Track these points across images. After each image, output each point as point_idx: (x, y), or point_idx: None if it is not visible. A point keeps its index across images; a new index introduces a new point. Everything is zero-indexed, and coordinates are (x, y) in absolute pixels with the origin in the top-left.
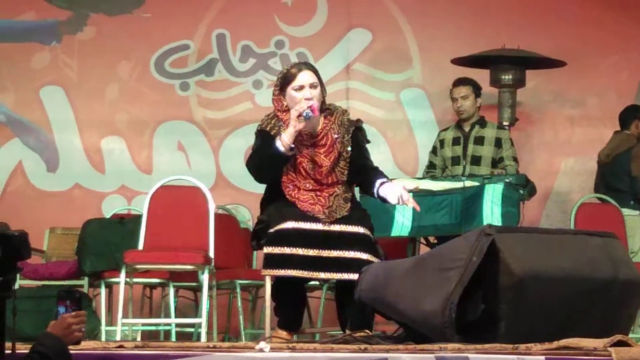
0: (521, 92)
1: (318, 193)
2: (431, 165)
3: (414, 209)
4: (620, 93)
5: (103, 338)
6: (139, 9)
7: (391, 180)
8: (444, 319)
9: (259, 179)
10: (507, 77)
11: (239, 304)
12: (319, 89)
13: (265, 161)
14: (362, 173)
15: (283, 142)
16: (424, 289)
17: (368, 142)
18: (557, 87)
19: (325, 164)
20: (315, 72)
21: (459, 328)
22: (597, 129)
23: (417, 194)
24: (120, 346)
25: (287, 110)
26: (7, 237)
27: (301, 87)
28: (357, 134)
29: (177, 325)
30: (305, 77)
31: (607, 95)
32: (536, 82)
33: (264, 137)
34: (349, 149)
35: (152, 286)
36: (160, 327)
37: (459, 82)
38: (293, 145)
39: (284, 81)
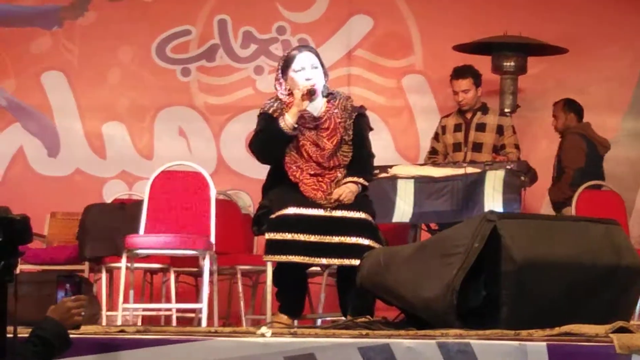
0: (523, 78)
1: (320, 178)
2: (433, 151)
3: (414, 194)
4: (621, 81)
5: (104, 323)
6: None
7: (353, 180)
8: (446, 305)
9: (261, 158)
10: (508, 64)
11: (240, 289)
12: (319, 69)
13: (268, 140)
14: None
15: (286, 121)
16: (426, 274)
17: (371, 129)
18: (559, 74)
19: (328, 147)
20: (316, 54)
21: (460, 314)
22: (599, 117)
23: (419, 180)
24: (122, 331)
25: (290, 94)
26: (9, 221)
27: (302, 68)
28: (359, 120)
29: (178, 310)
30: (305, 58)
31: (609, 83)
32: (538, 69)
33: (267, 119)
34: (350, 132)
35: (153, 271)
36: (161, 313)
37: (459, 74)
38: (296, 125)
39: (285, 64)
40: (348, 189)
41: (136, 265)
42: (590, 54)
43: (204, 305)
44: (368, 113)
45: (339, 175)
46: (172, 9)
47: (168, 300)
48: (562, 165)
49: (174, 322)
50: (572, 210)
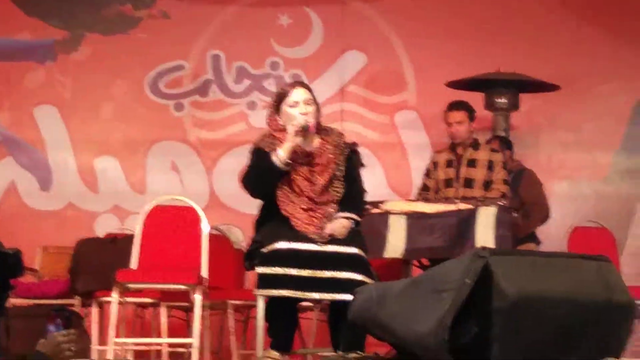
0: (515, 115)
1: (312, 213)
2: (424, 188)
3: (407, 230)
4: (614, 118)
5: (95, 357)
6: (135, 29)
7: (346, 216)
8: (437, 341)
9: (253, 193)
10: (501, 101)
11: (231, 324)
12: (313, 106)
13: (260, 175)
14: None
15: (279, 156)
16: (418, 310)
17: (363, 165)
18: (551, 111)
19: (320, 183)
20: (309, 90)
21: (452, 350)
22: (591, 154)
23: (411, 216)
24: None
25: (283, 129)
26: (1, 255)
27: (296, 103)
28: (352, 157)
29: (169, 345)
30: (299, 94)
31: (601, 120)
32: (530, 106)
33: (260, 154)
34: (342, 168)
35: (144, 306)
36: (152, 347)
37: (454, 106)
38: (289, 161)
39: (278, 99)
40: (341, 224)
41: (127, 299)
42: (583, 91)
43: (195, 340)
44: (360, 149)
45: (331, 210)
46: (165, 44)
47: (159, 335)
48: (528, 202)
49: (165, 357)
50: (533, 246)
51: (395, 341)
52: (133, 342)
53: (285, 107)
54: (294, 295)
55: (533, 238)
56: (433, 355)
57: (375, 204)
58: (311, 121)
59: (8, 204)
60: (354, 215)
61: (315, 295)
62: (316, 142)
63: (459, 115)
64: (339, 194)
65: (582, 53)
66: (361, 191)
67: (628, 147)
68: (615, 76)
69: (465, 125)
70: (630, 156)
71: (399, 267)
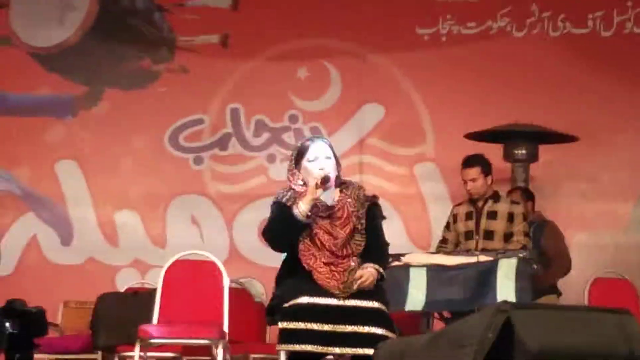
0: (534, 166)
1: (333, 267)
2: (443, 240)
3: (427, 283)
4: (633, 169)
5: None
6: (154, 84)
7: (374, 267)
8: None
9: (274, 245)
10: (520, 152)
11: None
12: (333, 160)
13: (281, 228)
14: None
15: (300, 209)
16: None
17: (384, 218)
18: (570, 162)
19: (341, 236)
20: (329, 144)
21: None
22: (611, 204)
23: (431, 268)
24: None
25: (303, 184)
26: (25, 314)
27: (315, 158)
28: (372, 210)
29: None
30: (318, 148)
31: (621, 171)
32: (549, 157)
33: (280, 208)
34: (363, 221)
35: None
36: None
37: (467, 163)
38: (310, 213)
39: (298, 154)
40: (369, 273)
41: (149, 354)
42: (601, 141)
43: None
44: (380, 201)
45: (352, 264)
46: (185, 98)
47: None
48: (550, 254)
49: None
50: (554, 298)
51: None
52: None
53: (304, 162)
54: (315, 350)
55: (554, 290)
56: None
57: (396, 257)
58: (331, 173)
59: (29, 258)
60: (380, 268)
61: (337, 350)
62: (336, 195)
63: (472, 172)
64: (360, 247)
65: (599, 104)
66: (384, 244)
67: None
68: (633, 126)
69: (480, 181)
70: None
71: (419, 319)
